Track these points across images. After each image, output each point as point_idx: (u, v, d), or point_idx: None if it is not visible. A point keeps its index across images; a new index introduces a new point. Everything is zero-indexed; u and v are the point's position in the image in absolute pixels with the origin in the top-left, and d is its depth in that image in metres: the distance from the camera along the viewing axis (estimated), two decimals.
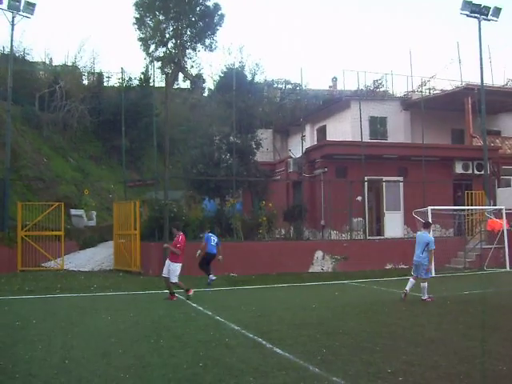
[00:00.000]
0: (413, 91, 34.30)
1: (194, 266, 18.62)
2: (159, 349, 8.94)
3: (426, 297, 14.64)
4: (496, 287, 17.76)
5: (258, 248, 22.70)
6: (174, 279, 14.67)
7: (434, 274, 20.79)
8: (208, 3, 46.12)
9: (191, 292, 14.95)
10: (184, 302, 14.45)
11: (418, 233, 16.00)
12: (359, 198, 25.45)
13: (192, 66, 49.05)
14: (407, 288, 14.84)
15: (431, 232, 15.59)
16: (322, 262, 23.24)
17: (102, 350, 8.86)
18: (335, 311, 13.01)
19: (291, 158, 29.00)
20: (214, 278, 18.85)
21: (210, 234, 19.28)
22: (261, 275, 20.90)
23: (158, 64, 46.61)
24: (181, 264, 14.79)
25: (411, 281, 15.06)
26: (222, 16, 46.40)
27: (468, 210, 25.44)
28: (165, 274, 14.90)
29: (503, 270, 22.94)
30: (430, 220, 20.32)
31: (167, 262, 14.98)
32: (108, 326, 10.93)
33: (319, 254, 23.26)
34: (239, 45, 35.93)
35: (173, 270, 14.65)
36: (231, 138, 25.59)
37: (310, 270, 22.84)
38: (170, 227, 15.34)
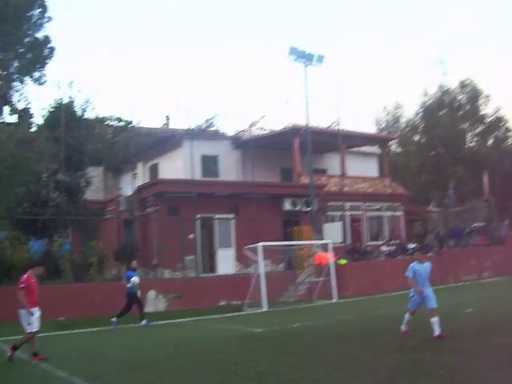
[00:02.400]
0: (243, 131, 35.32)
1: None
2: None
3: (437, 332, 11.86)
4: (324, 318, 18.43)
5: (89, 289, 21.79)
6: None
7: (266, 309, 21.30)
8: (38, 35, 44.58)
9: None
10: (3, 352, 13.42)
11: None
12: (191, 236, 25.53)
13: (19, 100, 46.86)
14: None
15: (417, 261, 12.77)
16: (155, 302, 22.79)
17: None
18: (167, 351, 12.74)
19: (122, 196, 28.46)
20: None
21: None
22: (92, 318, 20.00)
23: None
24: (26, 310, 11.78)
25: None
26: (52, 49, 44.76)
27: (297, 245, 26.38)
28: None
29: (331, 301, 23.96)
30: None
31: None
32: None
33: (152, 293, 22.80)
34: (69, 79, 34.78)
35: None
36: (59, 175, 24.63)
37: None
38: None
